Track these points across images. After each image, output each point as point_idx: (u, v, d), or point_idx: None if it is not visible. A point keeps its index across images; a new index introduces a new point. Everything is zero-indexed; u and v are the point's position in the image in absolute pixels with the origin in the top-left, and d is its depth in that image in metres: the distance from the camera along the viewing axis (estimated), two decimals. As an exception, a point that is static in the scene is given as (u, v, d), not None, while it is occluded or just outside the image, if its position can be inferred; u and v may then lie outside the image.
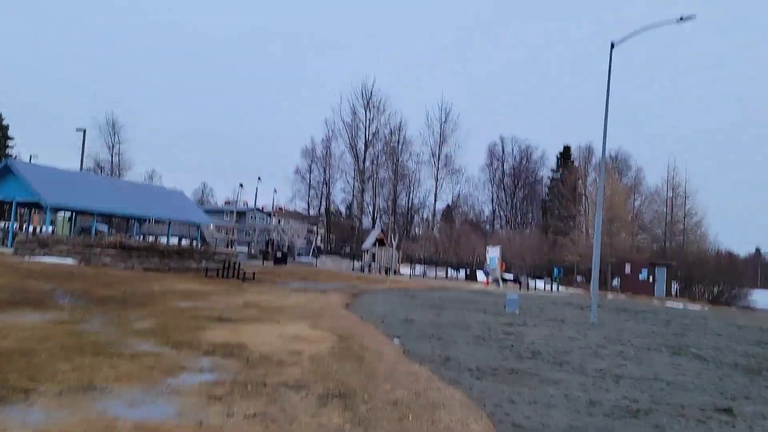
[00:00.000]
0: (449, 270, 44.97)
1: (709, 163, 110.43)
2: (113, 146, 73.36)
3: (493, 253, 37.14)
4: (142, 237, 40.49)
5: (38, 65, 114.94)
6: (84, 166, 61.19)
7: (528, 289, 34.30)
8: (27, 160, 47.66)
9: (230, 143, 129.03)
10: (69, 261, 19.52)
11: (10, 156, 52.92)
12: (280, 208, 73.56)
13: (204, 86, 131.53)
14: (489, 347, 10.25)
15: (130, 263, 20.23)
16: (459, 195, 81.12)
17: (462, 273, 44.64)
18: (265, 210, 71.51)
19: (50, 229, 34.22)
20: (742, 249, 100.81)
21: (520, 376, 7.91)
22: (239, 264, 20.89)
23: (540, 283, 39.66)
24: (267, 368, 6.57)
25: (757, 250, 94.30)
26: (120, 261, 19.88)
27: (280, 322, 10.41)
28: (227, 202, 70.15)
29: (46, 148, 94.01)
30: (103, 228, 50.77)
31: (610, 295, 41.67)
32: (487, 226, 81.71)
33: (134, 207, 30.21)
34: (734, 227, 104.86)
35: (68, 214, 50.47)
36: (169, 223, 34.42)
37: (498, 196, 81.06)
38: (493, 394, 6.47)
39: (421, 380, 6.59)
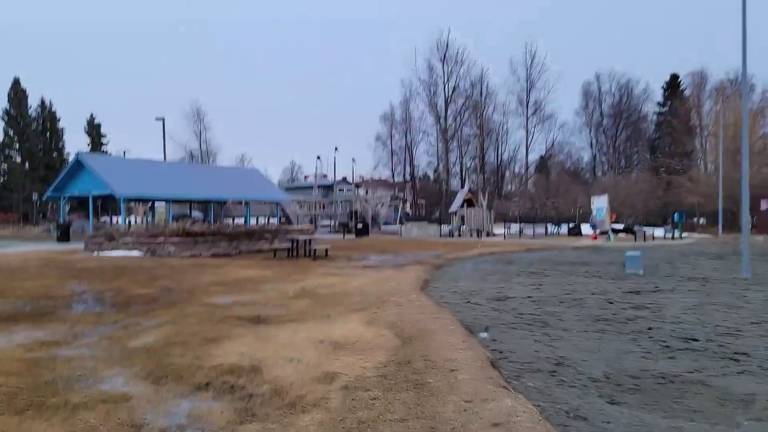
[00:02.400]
0: (548, 226, 40.97)
1: None
2: (200, 134, 74.98)
3: (599, 203, 32.82)
4: (233, 220, 40.15)
5: (125, 64, 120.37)
6: (174, 156, 62.59)
7: (645, 239, 29.86)
8: (121, 155, 49.02)
9: (313, 119, 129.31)
10: (135, 254, 18.44)
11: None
12: (362, 178, 71.80)
13: (278, 66, 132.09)
14: (617, 334, 7.26)
15: (197, 250, 18.84)
16: (554, 143, 75.41)
17: (564, 228, 40.51)
18: (353, 182, 70.11)
19: (145, 220, 34.23)
20: None
21: (680, 390, 5.01)
22: (309, 241, 18.87)
23: (658, 232, 34.69)
24: (271, 417, 4.15)
25: None
26: (185, 249, 18.52)
27: (330, 317, 8.02)
28: (306, 177, 69.30)
29: (137, 142, 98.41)
30: (199, 215, 51.60)
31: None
32: (587, 175, 75.53)
33: (208, 190, 29.25)
34: None
35: (163, 204, 51.92)
36: (247, 204, 33.38)
37: (597, 140, 74.37)
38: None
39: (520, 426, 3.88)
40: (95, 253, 19.05)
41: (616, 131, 73.77)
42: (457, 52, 68.08)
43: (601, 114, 74.73)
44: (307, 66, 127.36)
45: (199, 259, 17.70)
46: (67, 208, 30.40)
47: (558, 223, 42.35)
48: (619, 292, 11.14)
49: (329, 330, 7.16)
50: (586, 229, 37.39)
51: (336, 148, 53.57)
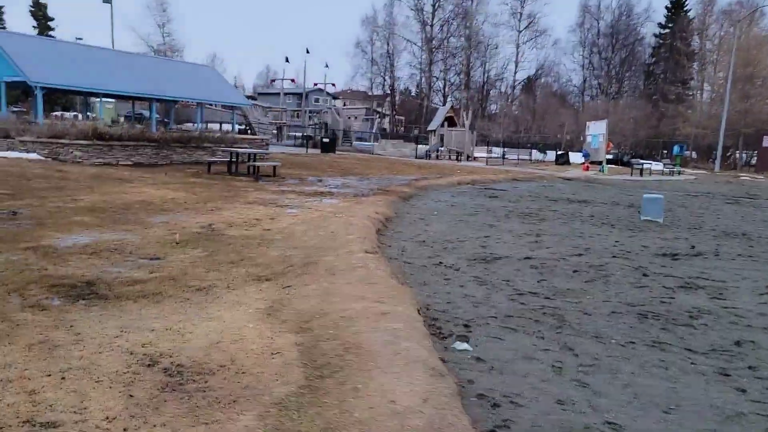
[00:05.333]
0: (534, 152, 37.74)
1: None
2: (163, 25, 68.10)
3: (595, 130, 29.49)
4: (194, 126, 35.89)
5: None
6: (134, 49, 56.39)
7: (642, 173, 26.94)
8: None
9: (292, 22, 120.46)
10: (32, 156, 14.75)
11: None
12: (334, 86, 66.70)
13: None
14: (688, 357, 4.17)
15: (112, 157, 15.23)
16: (544, 63, 70.78)
17: (550, 155, 37.37)
18: (324, 89, 64.98)
19: (101, 117, 29.69)
20: None
21: None
22: (254, 156, 15.37)
23: (656, 166, 31.66)
24: None
25: None
26: (96, 155, 14.87)
27: (212, 291, 4.83)
28: (273, 81, 63.88)
29: (91, 32, 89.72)
30: (149, 115, 46.75)
31: (743, 176, 33.47)
32: (575, 99, 71.78)
33: (150, 86, 24.97)
34: None
35: (110, 101, 46.68)
36: (199, 106, 29.21)
37: (591, 61, 69.88)
38: None
39: None
40: (-14, 153, 15.28)
41: (612, 52, 69.25)
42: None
43: (598, 32, 69.83)
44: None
45: (110, 168, 14.15)
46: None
47: (543, 150, 39.15)
48: (649, 255, 8.14)
49: (184, 326, 3.99)
50: (574, 157, 34.36)
51: (307, 51, 48.31)
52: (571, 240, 9.10)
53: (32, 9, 56.81)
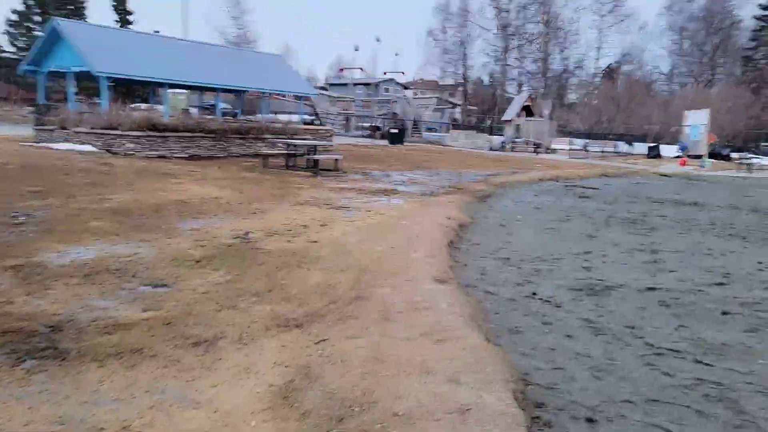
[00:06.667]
0: (619, 144, 34.53)
1: None
2: (237, 17, 68.80)
3: (694, 120, 26.25)
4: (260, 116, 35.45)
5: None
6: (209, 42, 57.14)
7: (750, 169, 23.51)
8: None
9: (362, 14, 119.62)
10: (87, 148, 14.13)
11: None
12: (403, 75, 64.88)
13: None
14: None
15: (166, 150, 14.37)
16: (630, 49, 65.91)
17: (639, 148, 34.04)
18: (394, 78, 63.34)
19: (166, 108, 29.67)
20: None
21: None
22: (314, 148, 14.05)
23: (765, 161, 27.85)
24: None
25: None
26: (149, 147, 14.06)
27: (213, 350, 3.38)
28: (342, 70, 62.81)
29: (170, 25, 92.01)
30: (226, 108, 46.86)
31: None
32: (663, 88, 66.46)
33: (215, 76, 24.29)
34: None
35: (182, 92, 47.12)
36: (264, 96, 28.41)
37: (681, 46, 64.34)
38: None
39: None
40: (43, 144, 14.85)
41: (705, 37, 63.38)
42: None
43: (690, 16, 64.13)
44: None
45: (162, 162, 13.24)
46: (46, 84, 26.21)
47: (630, 142, 35.77)
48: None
49: (152, 420, 2.54)
50: (666, 150, 31.03)
51: (378, 39, 46.75)
52: (698, 259, 7.09)
53: (114, 3, 58.59)
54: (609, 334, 4.32)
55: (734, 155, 28.81)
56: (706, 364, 3.83)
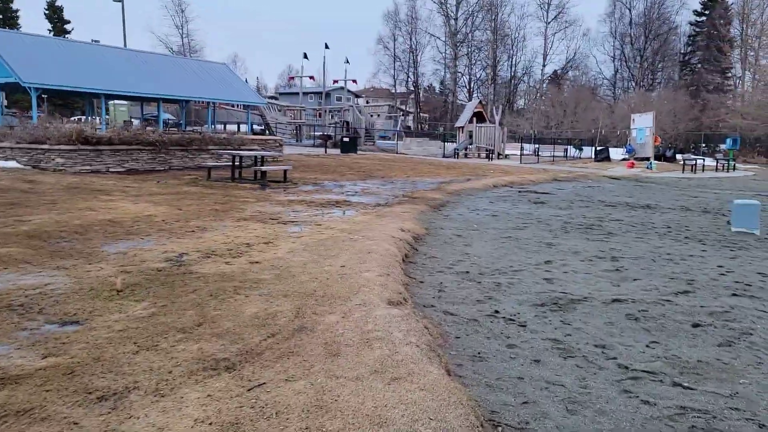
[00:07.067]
0: (569, 149, 35.10)
1: None
2: (182, 26, 67.17)
3: (641, 123, 26.83)
4: (215, 126, 34.22)
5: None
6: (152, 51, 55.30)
7: (694, 170, 24.18)
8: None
9: (311, 23, 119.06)
10: (10, 164, 13.07)
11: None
12: (355, 83, 64.52)
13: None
14: None
15: (100, 164, 13.44)
16: (575, 54, 67.73)
17: (586, 151, 34.69)
18: (345, 86, 62.98)
19: (103, 120, 28.28)
20: None
21: None
22: (261, 159, 13.41)
23: (708, 161, 28.63)
24: None
25: None
26: (81, 162, 13.10)
27: (121, 407, 2.78)
28: (292, 78, 62.08)
29: (108, 35, 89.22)
30: (170, 119, 45.27)
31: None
32: (607, 92, 68.56)
33: (157, 86, 23.28)
34: None
35: (123, 103, 45.22)
36: (210, 106, 27.48)
37: (623, 52, 66.55)
38: None
39: None
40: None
41: (645, 42, 65.81)
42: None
43: (630, 21, 66.48)
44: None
45: (95, 177, 12.32)
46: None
47: (580, 146, 36.44)
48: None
49: None
50: (614, 153, 31.70)
51: (327, 46, 45.95)
52: (659, 265, 6.87)
53: (47, 12, 55.98)
54: (579, 356, 3.95)
55: (679, 156, 29.63)
56: (686, 387, 3.49)
